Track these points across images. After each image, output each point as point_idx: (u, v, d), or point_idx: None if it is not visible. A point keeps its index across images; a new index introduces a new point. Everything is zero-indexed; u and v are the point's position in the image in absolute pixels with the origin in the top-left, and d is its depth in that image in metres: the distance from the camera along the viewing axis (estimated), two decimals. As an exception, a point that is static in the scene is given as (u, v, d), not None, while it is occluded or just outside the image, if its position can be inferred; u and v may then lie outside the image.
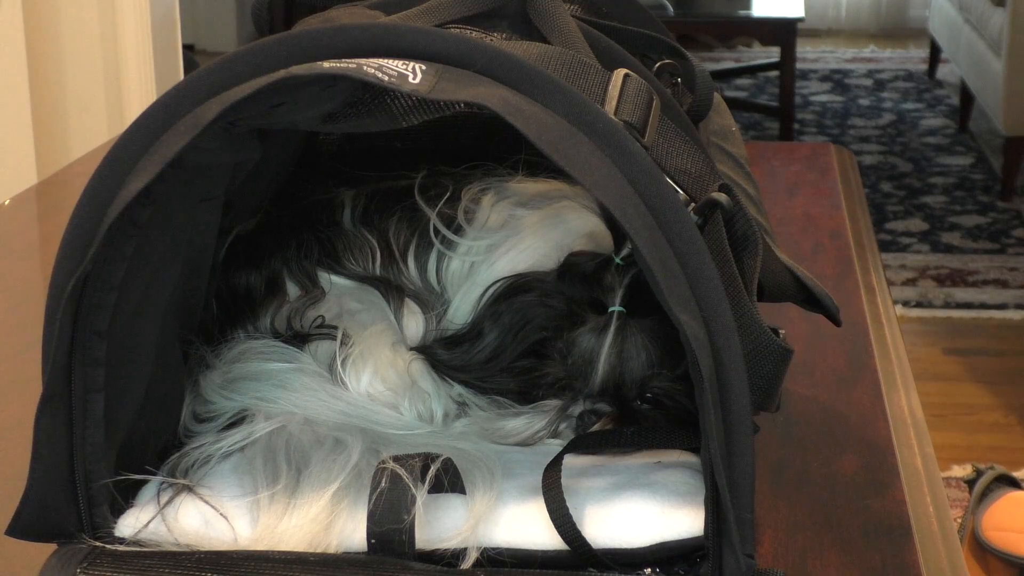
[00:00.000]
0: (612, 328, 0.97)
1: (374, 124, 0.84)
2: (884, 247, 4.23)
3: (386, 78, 0.80)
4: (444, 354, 1.03)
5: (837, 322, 1.04)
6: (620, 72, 0.91)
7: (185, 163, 0.84)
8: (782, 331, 0.92)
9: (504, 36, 1.00)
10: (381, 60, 0.82)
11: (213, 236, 0.98)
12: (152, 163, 0.82)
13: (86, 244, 0.83)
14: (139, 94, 3.19)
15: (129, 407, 0.89)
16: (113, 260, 0.85)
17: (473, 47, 0.84)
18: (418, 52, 0.84)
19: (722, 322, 0.82)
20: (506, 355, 1.01)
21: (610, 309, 0.98)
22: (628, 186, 0.82)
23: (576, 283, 1.00)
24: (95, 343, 0.85)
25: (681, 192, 0.90)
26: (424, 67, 0.82)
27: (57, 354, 0.84)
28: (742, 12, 5.32)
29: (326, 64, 0.81)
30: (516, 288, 1.02)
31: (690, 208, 0.88)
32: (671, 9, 5.12)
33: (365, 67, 0.81)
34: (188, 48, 4.73)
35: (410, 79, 0.81)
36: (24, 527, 0.86)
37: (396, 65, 0.82)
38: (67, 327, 0.84)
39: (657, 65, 1.05)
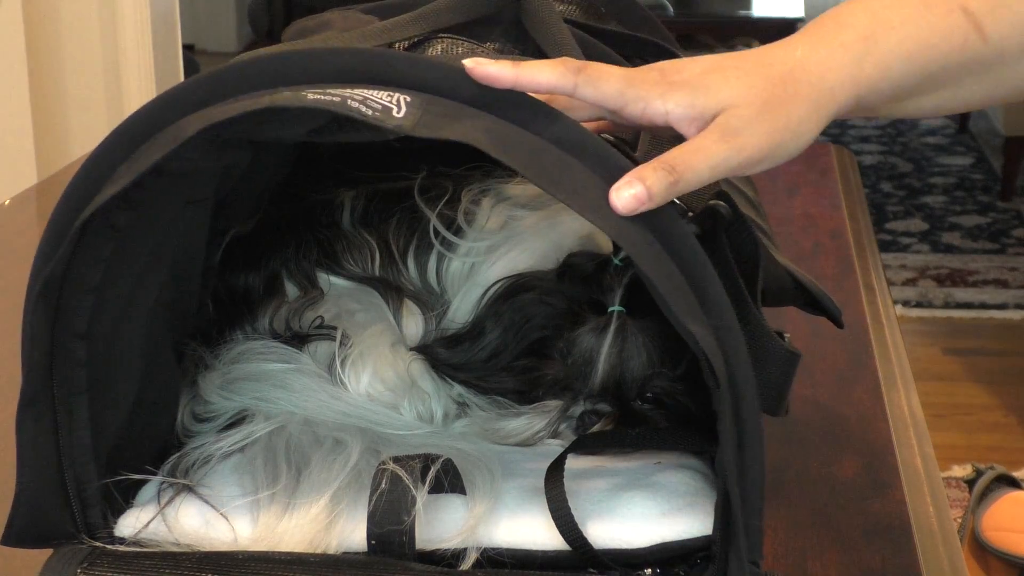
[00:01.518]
0: (612, 328, 0.97)
1: (361, 137, 0.84)
2: (884, 247, 4.24)
3: (370, 112, 0.79)
4: (445, 353, 1.03)
5: (839, 324, 1.04)
6: None
7: (166, 170, 0.84)
8: (787, 335, 0.92)
9: (497, 46, 1.00)
10: (366, 91, 0.81)
11: (202, 238, 0.97)
12: (130, 172, 0.82)
13: (59, 247, 0.83)
14: (139, 94, 3.19)
15: (118, 409, 0.89)
16: (89, 262, 0.84)
17: (460, 77, 0.84)
18: (406, 81, 0.84)
19: (729, 331, 0.81)
20: (507, 353, 1.01)
21: (610, 309, 0.98)
22: None
23: (575, 283, 1.00)
24: (75, 345, 0.85)
25: (678, 202, 0.89)
26: (409, 99, 0.81)
27: (33, 357, 0.83)
28: (742, 12, 5.32)
29: (310, 96, 0.80)
30: (518, 287, 1.02)
31: (688, 217, 0.88)
32: (671, 9, 5.12)
33: (349, 101, 0.80)
34: (188, 48, 4.74)
35: (394, 113, 0.80)
36: (18, 534, 0.86)
37: (381, 98, 0.81)
38: (41, 329, 0.83)
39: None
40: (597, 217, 0.80)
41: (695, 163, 0.81)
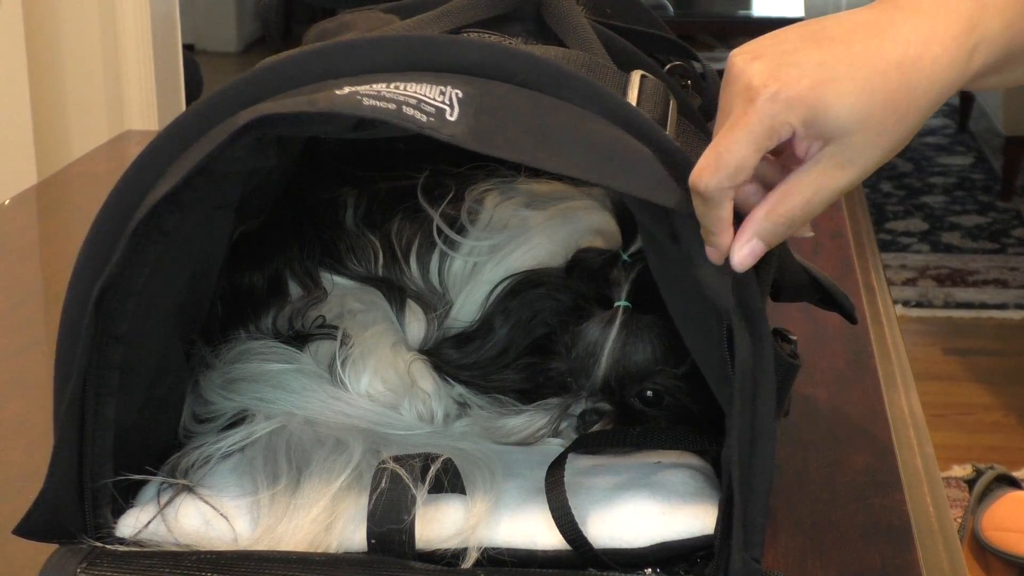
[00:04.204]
0: (617, 322, 0.97)
1: (401, 131, 0.84)
2: (884, 247, 4.23)
3: (424, 118, 0.80)
4: (454, 353, 1.03)
5: (853, 320, 1.05)
6: (637, 73, 0.91)
7: (212, 170, 0.84)
8: (794, 337, 0.92)
9: (521, 40, 1.00)
10: (418, 89, 0.81)
11: (224, 242, 0.97)
12: (181, 169, 0.82)
13: (109, 249, 0.83)
14: (139, 94, 3.18)
15: (132, 409, 0.89)
16: (137, 266, 0.84)
17: (511, 56, 0.84)
18: (456, 66, 0.84)
19: (757, 324, 0.81)
20: (514, 349, 1.01)
21: (616, 303, 0.98)
22: (675, 183, 0.82)
23: (583, 279, 1.00)
24: (113, 347, 0.85)
25: None
26: (460, 95, 0.81)
27: (81, 360, 0.84)
28: (742, 12, 5.32)
29: (366, 101, 0.80)
30: (526, 283, 1.02)
31: None
32: (671, 9, 5.13)
33: (404, 108, 0.80)
34: (188, 48, 4.73)
35: (447, 115, 0.80)
36: (32, 528, 0.86)
37: (434, 97, 0.81)
38: (92, 334, 0.84)
39: (668, 67, 1.05)
40: (657, 194, 0.80)
41: (807, 207, 0.80)
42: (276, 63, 0.85)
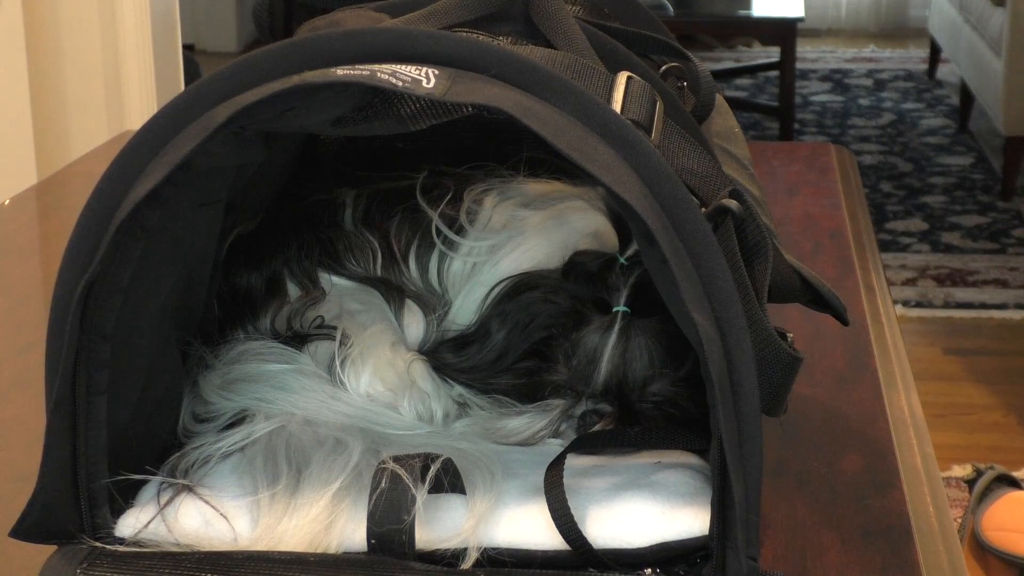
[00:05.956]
0: (616, 328, 0.97)
1: (383, 128, 0.84)
2: (884, 247, 4.23)
3: (400, 84, 0.80)
4: (452, 357, 1.02)
5: (845, 321, 1.04)
6: (623, 75, 0.91)
7: (193, 166, 0.84)
8: (790, 335, 0.92)
9: (510, 40, 1.00)
10: (394, 66, 0.82)
11: (214, 240, 0.97)
12: (162, 165, 0.82)
13: (93, 247, 0.83)
14: (139, 94, 3.18)
15: (125, 409, 0.89)
16: (121, 263, 0.85)
17: (485, 50, 0.84)
18: (431, 56, 0.84)
19: (734, 324, 0.81)
20: (512, 354, 1.01)
21: (614, 309, 0.98)
22: (644, 186, 0.82)
23: (580, 282, 1.00)
24: (100, 346, 0.85)
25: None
26: (437, 72, 0.82)
27: (67, 358, 0.84)
28: (742, 12, 5.32)
29: (339, 71, 0.81)
30: (522, 286, 1.02)
31: (701, 211, 0.88)
32: (671, 9, 5.12)
33: (379, 73, 0.80)
34: (188, 48, 4.73)
35: (424, 84, 0.81)
36: (28, 529, 0.86)
37: (409, 71, 0.81)
38: (76, 331, 0.84)
39: (663, 68, 1.05)
40: (624, 191, 0.80)
41: None
42: (251, 57, 0.85)
